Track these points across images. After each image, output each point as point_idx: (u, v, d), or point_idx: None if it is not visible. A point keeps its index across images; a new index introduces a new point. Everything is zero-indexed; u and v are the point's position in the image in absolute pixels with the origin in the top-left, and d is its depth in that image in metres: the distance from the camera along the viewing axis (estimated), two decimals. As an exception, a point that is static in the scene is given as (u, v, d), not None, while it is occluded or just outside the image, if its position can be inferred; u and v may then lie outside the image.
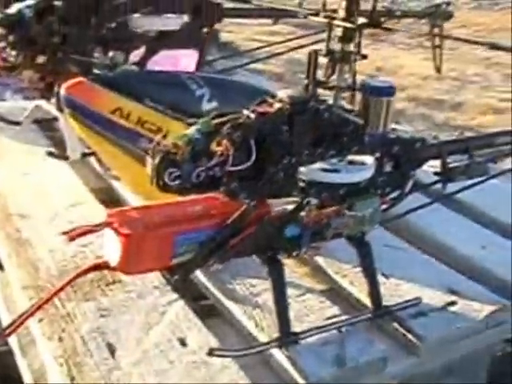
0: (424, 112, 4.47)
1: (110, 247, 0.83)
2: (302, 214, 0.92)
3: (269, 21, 6.88)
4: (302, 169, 0.90)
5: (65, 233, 0.83)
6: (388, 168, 1.00)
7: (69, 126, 1.39)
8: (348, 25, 0.94)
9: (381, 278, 1.11)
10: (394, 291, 1.10)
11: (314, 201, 0.92)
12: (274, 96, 0.88)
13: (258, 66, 4.62)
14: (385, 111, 0.95)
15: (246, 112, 0.86)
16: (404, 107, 4.26)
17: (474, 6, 7.96)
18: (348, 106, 0.99)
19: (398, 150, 0.99)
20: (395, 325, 1.02)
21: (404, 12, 2.18)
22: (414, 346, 0.99)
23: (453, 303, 1.08)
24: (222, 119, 0.86)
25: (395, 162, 1.01)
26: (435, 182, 1.11)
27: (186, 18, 1.67)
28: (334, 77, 1.01)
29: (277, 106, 0.86)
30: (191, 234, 0.86)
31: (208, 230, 0.88)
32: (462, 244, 1.27)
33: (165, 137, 1.24)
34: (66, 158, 1.49)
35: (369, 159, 0.97)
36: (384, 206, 1.03)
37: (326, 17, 0.99)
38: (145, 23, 1.61)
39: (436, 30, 2.32)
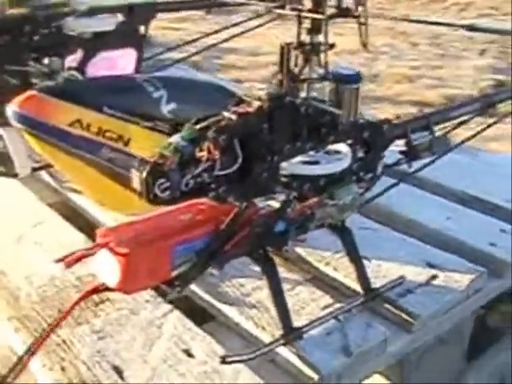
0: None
1: (105, 268, 0.81)
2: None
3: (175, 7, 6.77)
4: (283, 164, 0.91)
5: (59, 260, 0.80)
6: (360, 153, 1.03)
7: (15, 142, 1.32)
8: (318, 16, 0.94)
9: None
10: (378, 272, 1.13)
11: (296, 194, 0.94)
12: (247, 96, 0.89)
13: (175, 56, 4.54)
14: (354, 98, 0.97)
15: (226, 114, 0.86)
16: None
17: (372, -22, 8.17)
18: (320, 97, 1.00)
19: (368, 135, 1.01)
20: (387, 306, 1.05)
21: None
22: (408, 324, 1.03)
23: (434, 277, 1.13)
24: (204, 124, 0.85)
25: (367, 147, 1.03)
26: (401, 162, 1.15)
27: (120, 17, 1.62)
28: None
29: (256, 104, 0.86)
30: (187, 243, 0.85)
31: (203, 238, 0.87)
32: (428, 218, 1.32)
33: (127, 143, 1.23)
34: (15, 176, 1.42)
35: (343, 147, 0.99)
36: (360, 191, 1.06)
37: (292, 9, 0.98)
38: (79, 25, 1.55)
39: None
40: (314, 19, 0.97)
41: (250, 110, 0.86)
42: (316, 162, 0.95)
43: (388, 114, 4.06)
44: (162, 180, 0.81)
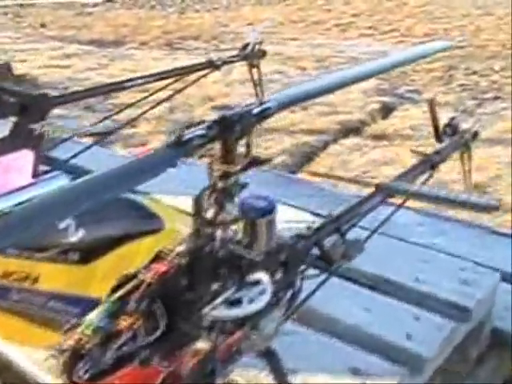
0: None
1: None
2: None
3: (59, 44, 6.55)
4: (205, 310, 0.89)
5: None
6: (278, 275, 1.02)
7: None
8: (229, 169, 0.93)
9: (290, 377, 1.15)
10: (306, 387, 1.14)
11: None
12: (164, 251, 0.88)
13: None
14: (269, 230, 0.97)
15: (146, 275, 0.84)
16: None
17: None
18: (239, 236, 0.99)
19: (284, 256, 1.02)
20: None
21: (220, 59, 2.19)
22: None
23: (360, 387, 1.16)
24: (124, 291, 0.83)
25: (283, 266, 1.03)
26: (318, 273, 1.14)
27: (11, 120, 1.54)
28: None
29: (175, 261, 0.86)
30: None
31: None
32: (346, 312, 1.35)
33: (36, 280, 1.17)
34: None
35: (262, 276, 0.97)
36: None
37: (202, 156, 0.96)
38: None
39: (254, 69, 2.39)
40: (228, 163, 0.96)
41: (170, 267, 0.85)
42: (237, 301, 0.93)
43: (285, 144, 4.13)
44: (82, 362, 0.80)
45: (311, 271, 1.10)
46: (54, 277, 1.12)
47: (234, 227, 1.00)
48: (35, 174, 1.55)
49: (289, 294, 1.06)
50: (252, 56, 2.29)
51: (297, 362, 1.19)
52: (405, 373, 1.19)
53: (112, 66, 5.35)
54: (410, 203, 1.51)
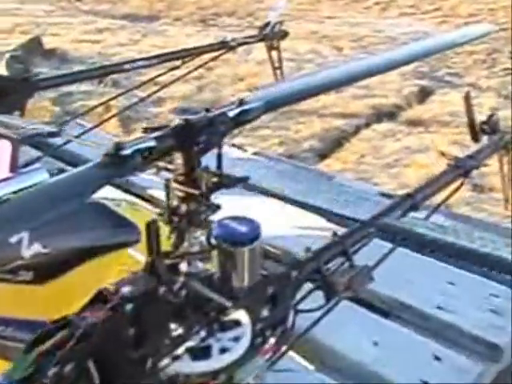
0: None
1: None
2: None
3: (93, 18, 6.49)
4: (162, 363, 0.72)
5: None
6: (265, 311, 0.85)
7: None
8: (193, 191, 0.73)
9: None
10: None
11: None
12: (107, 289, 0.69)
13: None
14: (251, 261, 0.79)
15: (77, 323, 0.66)
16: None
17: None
18: (209, 269, 0.79)
19: (273, 290, 0.84)
20: None
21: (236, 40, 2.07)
22: None
23: None
24: (44, 348, 0.65)
25: (273, 301, 0.86)
26: (316, 308, 0.93)
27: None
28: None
29: (116, 309, 0.67)
30: None
31: None
32: (351, 346, 1.20)
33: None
34: None
35: (242, 316, 0.81)
36: (268, 356, 0.87)
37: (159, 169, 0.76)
38: None
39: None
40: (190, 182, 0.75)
41: (110, 315, 0.67)
42: (206, 351, 0.75)
43: (315, 128, 3.98)
44: None
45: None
46: (1, 299, 0.93)
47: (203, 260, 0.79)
48: (13, 168, 1.40)
49: (279, 330, 0.88)
50: (271, 37, 2.15)
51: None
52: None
53: (143, 41, 5.26)
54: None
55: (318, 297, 0.88)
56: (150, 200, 1.57)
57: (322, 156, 3.77)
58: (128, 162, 0.66)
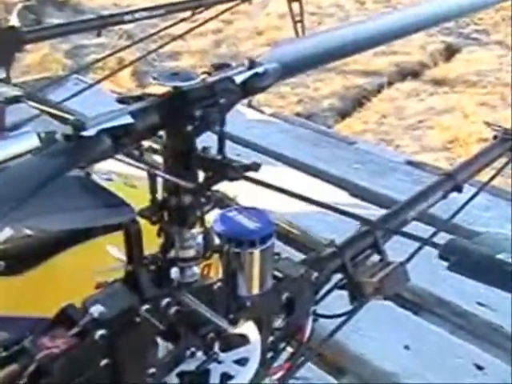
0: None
1: None
2: None
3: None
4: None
5: None
6: (279, 321, 0.73)
7: None
8: (185, 184, 0.57)
9: None
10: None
11: None
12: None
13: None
14: (262, 264, 0.65)
15: (34, 352, 0.51)
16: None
17: None
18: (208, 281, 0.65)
19: (288, 296, 0.73)
20: None
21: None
22: None
23: None
24: None
25: (287, 310, 0.74)
26: (340, 314, 0.82)
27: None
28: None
29: (83, 337, 0.53)
30: None
31: None
32: (380, 351, 1.09)
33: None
34: None
35: (251, 329, 0.69)
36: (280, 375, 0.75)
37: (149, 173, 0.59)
38: None
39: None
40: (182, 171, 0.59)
41: (72, 345, 0.52)
42: (204, 379, 0.62)
43: (335, 86, 3.83)
44: None
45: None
46: None
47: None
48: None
49: (294, 343, 0.77)
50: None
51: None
52: None
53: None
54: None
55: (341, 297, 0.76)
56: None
57: (343, 115, 3.66)
58: (92, 146, 0.50)
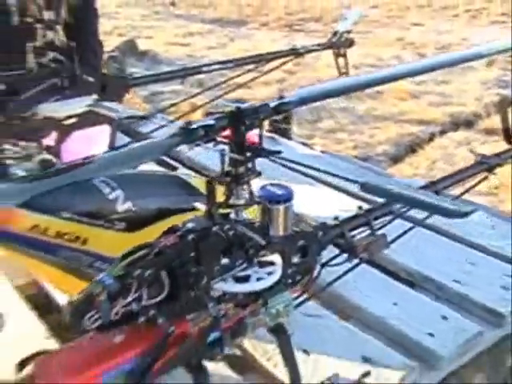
0: (346, 105, 4.59)
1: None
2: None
3: (184, 22, 6.84)
4: (213, 281, 0.97)
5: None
6: (295, 259, 1.08)
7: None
8: (239, 157, 0.99)
9: (302, 356, 1.22)
10: (314, 370, 1.21)
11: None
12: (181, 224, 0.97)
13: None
14: (286, 215, 1.02)
15: (155, 245, 0.93)
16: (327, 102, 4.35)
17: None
18: (251, 218, 1.06)
19: (302, 244, 1.06)
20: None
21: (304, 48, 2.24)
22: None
23: (367, 374, 1.20)
24: (132, 258, 0.93)
25: (301, 253, 1.08)
26: (342, 261, 1.18)
27: (93, 97, 1.71)
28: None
29: (182, 238, 0.94)
30: (117, 368, 0.93)
31: (133, 360, 0.95)
32: (375, 304, 1.39)
33: (84, 243, 1.31)
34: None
35: (276, 257, 1.04)
36: (295, 295, 1.11)
37: (218, 142, 1.03)
38: (52, 110, 1.64)
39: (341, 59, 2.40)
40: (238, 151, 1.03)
41: (178, 241, 0.94)
42: (246, 278, 1.00)
43: (390, 133, 4.04)
44: (91, 313, 0.90)
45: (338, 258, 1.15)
46: (101, 241, 1.25)
47: (248, 213, 1.06)
48: (111, 146, 1.72)
49: (306, 278, 1.11)
50: (338, 44, 2.31)
51: (312, 343, 1.25)
52: (415, 366, 1.21)
53: (230, 45, 5.52)
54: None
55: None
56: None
57: (395, 160, 3.87)
58: (193, 134, 0.93)
